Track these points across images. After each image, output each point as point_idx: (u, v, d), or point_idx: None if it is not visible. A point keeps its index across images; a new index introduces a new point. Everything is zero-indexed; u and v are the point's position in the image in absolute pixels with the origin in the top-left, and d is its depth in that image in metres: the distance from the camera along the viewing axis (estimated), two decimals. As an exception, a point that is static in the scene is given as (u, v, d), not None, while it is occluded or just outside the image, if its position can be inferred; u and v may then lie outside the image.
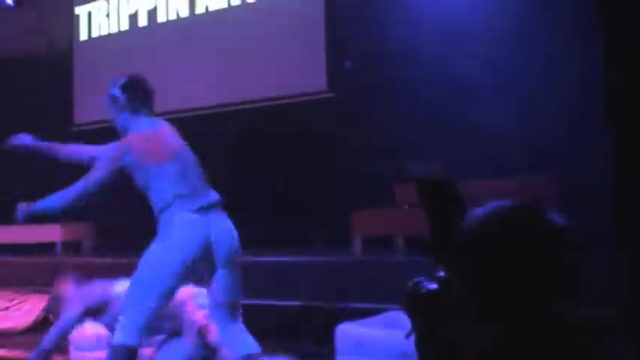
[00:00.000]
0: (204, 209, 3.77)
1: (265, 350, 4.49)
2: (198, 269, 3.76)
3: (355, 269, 6.16)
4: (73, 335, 4.79)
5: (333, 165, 8.50)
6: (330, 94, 8.91)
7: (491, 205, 1.57)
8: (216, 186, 9.00)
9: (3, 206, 10.40)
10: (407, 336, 1.87)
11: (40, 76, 10.81)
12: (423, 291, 1.85)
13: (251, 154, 9.21)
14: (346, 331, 4.48)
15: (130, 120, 3.93)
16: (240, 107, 9.51)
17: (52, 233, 9.64)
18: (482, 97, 7.37)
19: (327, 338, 4.65)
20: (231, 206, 8.96)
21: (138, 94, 3.97)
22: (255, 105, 9.41)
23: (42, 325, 7.06)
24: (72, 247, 9.42)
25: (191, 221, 3.71)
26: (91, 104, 10.74)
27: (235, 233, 3.91)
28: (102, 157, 3.87)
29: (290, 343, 5.49)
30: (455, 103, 7.66)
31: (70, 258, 8.70)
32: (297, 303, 5.87)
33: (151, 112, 4.01)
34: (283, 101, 9.21)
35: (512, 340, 1.42)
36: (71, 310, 4.50)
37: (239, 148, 9.32)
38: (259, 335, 5.23)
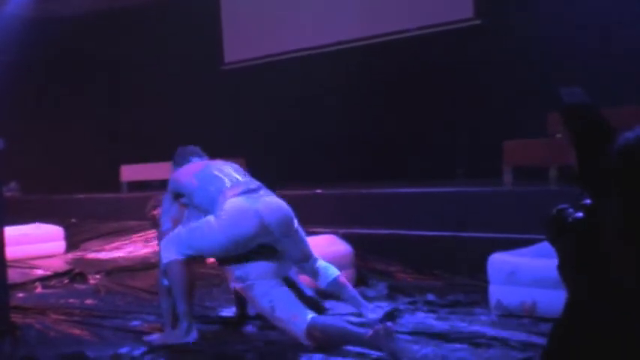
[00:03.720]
0: (248, 192, 4.08)
1: (417, 279, 4.56)
2: (253, 244, 4.02)
3: (506, 200, 6.06)
4: None
5: (483, 94, 8.33)
6: (477, 22, 8.67)
7: None
8: (365, 118, 9.07)
9: (138, 146, 10.99)
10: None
11: (189, 17, 11.18)
12: (569, 219, 1.82)
13: (398, 86, 9.17)
14: (499, 260, 4.45)
15: None
16: (384, 39, 9.44)
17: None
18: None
19: (479, 268, 4.64)
20: (381, 139, 9.03)
21: (179, 159, 4.62)
22: (400, 36, 9.31)
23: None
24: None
25: (239, 203, 4.00)
26: (240, 43, 11.02)
27: (284, 205, 4.16)
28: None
29: (443, 273, 5.52)
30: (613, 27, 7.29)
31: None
32: (449, 233, 5.87)
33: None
34: (428, 30, 9.05)
35: None
36: None
37: (385, 81, 9.30)
38: (412, 265, 5.33)
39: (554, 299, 4.09)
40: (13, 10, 11.64)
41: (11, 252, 4.92)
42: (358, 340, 3.65)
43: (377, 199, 6.98)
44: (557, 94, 1.99)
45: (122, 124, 11.87)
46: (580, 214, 1.77)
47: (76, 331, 4.54)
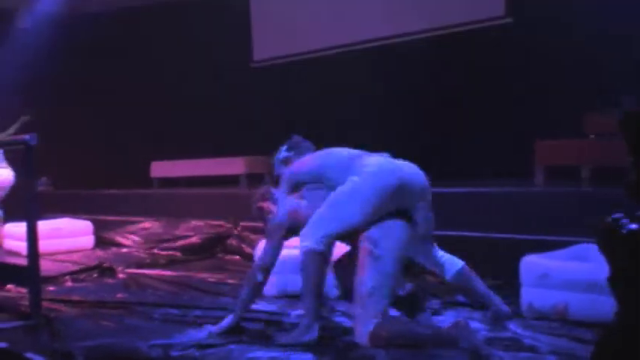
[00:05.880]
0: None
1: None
2: (389, 206, 3.84)
3: (538, 200, 5.98)
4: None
5: (516, 93, 8.24)
6: (508, 20, 8.58)
7: None
8: (394, 117, 8.98)
9: (190, 142, 11.05)
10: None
11: (219, 15, 11.20)
12: (624, 231, 1.76)
13: (429, 86, 9.11)
14: (531, 262, 4.39)
15: None
16: (414, 37, 9.38)
17: (235, 166, 10.10)
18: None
19: (510, 270, 4.58)
20: (410, 138, 8.96)
21: (300, 149, 4.58)
22: (430, 34, 9.25)
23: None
24: (255, 179, 9.75)
25: (381, 160, 4.00)
26: (269, 41, 11.01)
27: (422, 173, 4.10)
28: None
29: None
30: None
31: (252, 190, 9.06)
32: (479, 234, 5.81)
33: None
34: (458, 29, 8.98)
35: None
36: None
37: (415, 79, 9.24)
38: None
39: (586, 303, 4.06)
40: (49, 7, 11.72)
41: (41, 246, 4.96)
42: (433, 337, 3.46)
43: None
44: (617, 103, 1.97)
45: (153, 121, 11.92)
46: (635, 226, 1.71)
47: (108, 324, 4.56)
